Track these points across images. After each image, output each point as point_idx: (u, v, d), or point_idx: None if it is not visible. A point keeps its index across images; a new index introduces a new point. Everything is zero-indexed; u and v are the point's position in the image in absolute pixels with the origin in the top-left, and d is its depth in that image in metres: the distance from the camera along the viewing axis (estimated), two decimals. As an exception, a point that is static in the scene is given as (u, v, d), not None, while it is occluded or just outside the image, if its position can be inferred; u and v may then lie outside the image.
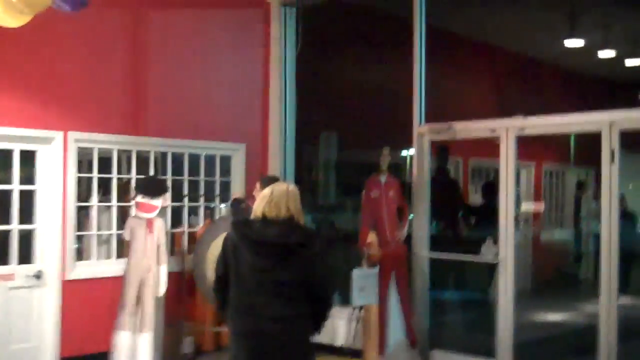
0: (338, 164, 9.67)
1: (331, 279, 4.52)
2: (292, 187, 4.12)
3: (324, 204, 9.83)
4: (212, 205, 8.10)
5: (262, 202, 4.04)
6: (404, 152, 9.57)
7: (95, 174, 7.15)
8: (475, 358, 6.97)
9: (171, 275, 7.19)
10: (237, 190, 8.12)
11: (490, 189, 8.05)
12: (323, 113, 9.69)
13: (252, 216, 4.08)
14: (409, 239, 7.30)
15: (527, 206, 11.39)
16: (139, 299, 6.83)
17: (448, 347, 7.32)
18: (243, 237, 3.98)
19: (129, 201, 7.21)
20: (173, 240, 7.76)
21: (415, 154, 7.43)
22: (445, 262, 7.45)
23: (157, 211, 6.92)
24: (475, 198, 9.99)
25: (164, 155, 7.73)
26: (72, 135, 6.86)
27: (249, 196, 7.40)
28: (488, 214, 7.37)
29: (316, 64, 9.40)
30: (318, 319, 4.07)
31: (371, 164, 7.55)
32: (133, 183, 7.29)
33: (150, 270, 6.85)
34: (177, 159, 7.87)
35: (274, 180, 6.54)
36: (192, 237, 7.80)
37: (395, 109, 9.24)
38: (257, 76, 8.59)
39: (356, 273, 6.66)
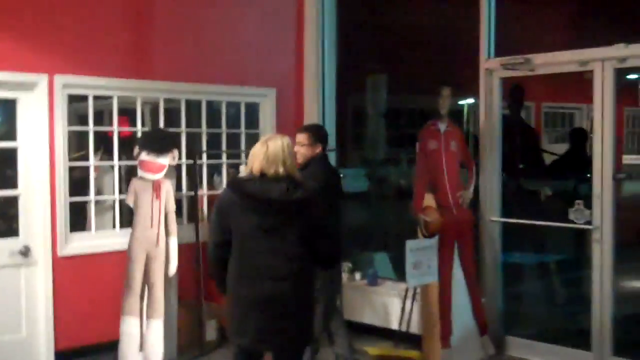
0: (388, 112, 8.30)
1: (339, 232, 4.39)
2: (287, 141, 3.93)
3: (373, 157, 8.56)
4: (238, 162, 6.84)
5: (257, 159, 3.86)
6: (462, 101, 8.40)
7: (91, 127, 5.90)
8: (563, 348, 5.64)
9: (186, 248, 6.00)
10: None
11: (580, 137, 6.54)
12: (369, 53, 8.42)
13: (247, 173, 3.92)
14: (475, 201, 5.90)
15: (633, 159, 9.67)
16: (146, 278, 5.67)
17: (527, 331, 6.02)
18: (245, 197, 3.80)
19: (134, 159, 5.97)
20: (192, 206, 6.51)
21: (482, 96, 6.00)
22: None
23: (164, 171, 5.72)
24: (552, 150, 8.46)
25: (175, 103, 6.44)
26: (60, 79, 5.62)
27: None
28: (576, 169, 5.94)
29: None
30: (327, 266, 4.11)
31: (427, 111, 6.37)
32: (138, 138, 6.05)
33: (159, 243, 5.68)
34: (194, 107, 6.60)
35: (317, 129, 5.45)
36: (213, 201, 6.55)
37: (454, 47, 7.99)
38: (288, 8, 7.20)
39: (410, 245, 5.34)
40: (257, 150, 3.88)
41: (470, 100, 8.66)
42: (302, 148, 5.17)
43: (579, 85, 6.69)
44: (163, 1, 6.28)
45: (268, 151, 3.83)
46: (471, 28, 6.26)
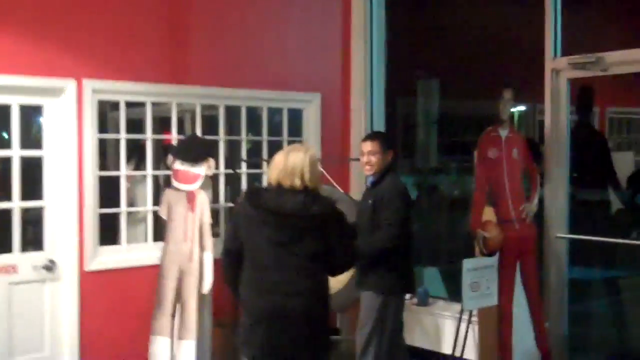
0: (440, 118, 7.83)
1: (355, 247, 4.10)
2: (310, 153, 3.82)
3: (423, 165, 8.11)
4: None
5: (276, 169, 3.77)
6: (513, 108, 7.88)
7: (122, 135, 5.53)
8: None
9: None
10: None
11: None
12: (421, 56, 7.97)
13: (266, 184, 3.88)
14: (539, 215, 5.36)
15: None
16: (179, 296, 5.29)
17: (595, 357, 5.55)
18: (259, 209, 3.71)
19: (167, 169, 5.59)
20: (230, 219, 6.09)
21: (547, 99, 5.46)
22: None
23: (199, 181, 5.32)
24: (618, 159, 7.86)
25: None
26: (89, 83, 5.26)
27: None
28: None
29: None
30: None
31: (481, 117, 5.96)
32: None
33: (192, 258, 5.31)
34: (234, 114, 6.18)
35: (385, 134, 5.34)
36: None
37: (511, 48, 7.50)
38: (334, 7, 6.76)
39: (467, 265, 4.83)
40: (278, 160, 3.81)
41: (521, 107, 8.17)
42: (374, 157, 4.74)
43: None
44: (200, 5, 5.90)
45: (287, 162, 3.76)
46: (530, 26, 5.77)
